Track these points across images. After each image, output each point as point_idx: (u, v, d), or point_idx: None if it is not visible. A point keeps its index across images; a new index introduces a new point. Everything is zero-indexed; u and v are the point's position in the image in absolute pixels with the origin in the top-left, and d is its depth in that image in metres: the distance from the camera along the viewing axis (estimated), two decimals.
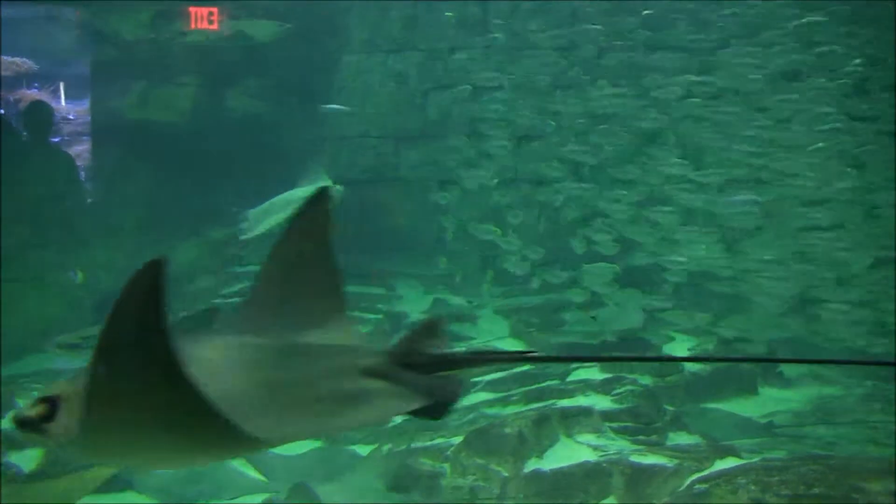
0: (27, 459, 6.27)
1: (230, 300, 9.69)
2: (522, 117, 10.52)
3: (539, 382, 8.10)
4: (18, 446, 6.42)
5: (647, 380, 8.01)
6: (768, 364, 9.11)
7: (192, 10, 11.12)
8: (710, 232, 8.90)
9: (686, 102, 9.33)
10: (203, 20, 11.13)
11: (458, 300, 11.13)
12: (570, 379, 8.07)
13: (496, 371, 8.23)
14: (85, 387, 2.16)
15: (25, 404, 2.39)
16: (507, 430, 6.43)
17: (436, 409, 2.56)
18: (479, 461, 6.33)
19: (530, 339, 9.83)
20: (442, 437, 6.83)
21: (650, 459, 6.11)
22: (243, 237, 9.36)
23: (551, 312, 10.15)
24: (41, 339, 7.81)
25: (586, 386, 7.71)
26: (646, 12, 9.99)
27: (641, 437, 6.93)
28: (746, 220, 8.74)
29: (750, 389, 8.83)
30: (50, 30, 13.10)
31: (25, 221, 9.97)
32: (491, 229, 10.05)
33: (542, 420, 6.57)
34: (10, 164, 9.81)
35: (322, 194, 2.91)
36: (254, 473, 7.29)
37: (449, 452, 6.51)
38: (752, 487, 5.21)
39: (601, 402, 7.36)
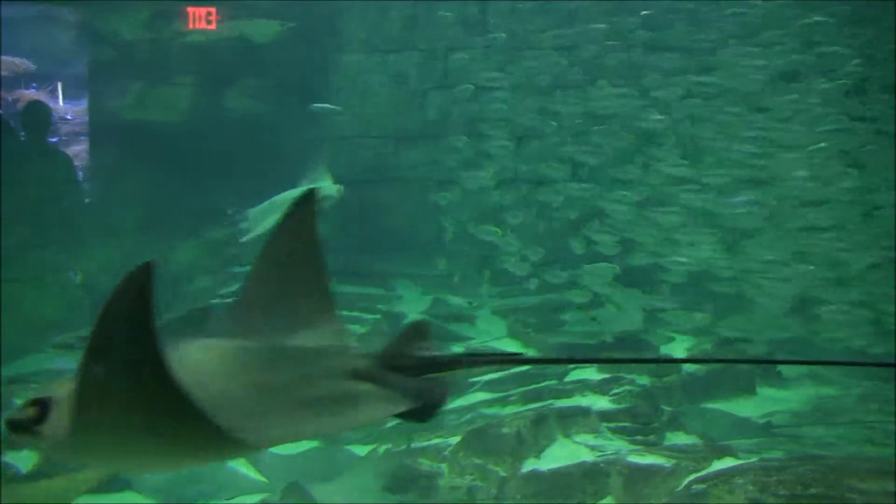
0: (25, 459, 6.27)
1: (228, 300, 9.68)
2: (522, 117, 10.51)
3: (537, 383, 8.09)
4: (16, 446, 6.42)
5: (644, 380, 8.00)
6: (766, 364, 9.11)
7: (191, 10, 11.10)
8: (710, 233, 8.89)
9: (686, 102, 9.33)
10: (201, 20, 11.12)
11: (457, 300, 11.12)
12: (567, 379, 8.06)
13: (494, 371, 8.23)
14: (74, 390, 2.17)
15: (17, 406, 2.40)
16: (505, 431, 6.44)
17: (423, 412, 2.58)
18: (477, 461, 6.34)
19: (528, 339, 9.82)
20: (440, 437, 6.83)
21: (648, 459, 6.11)
22: (244, 237, 9.36)
23: (549, 312, 10.15)
24: (40, 339, 7.81)
25: (584, 386, 7.71)
26: (644, 13, 9.98)
27: (639, 437, 6.94)
28: (747, 221, 8.73)
29: (748, 389, 8.82)
30: (48, 30, 13.08)
31: (24, 221, 9.96)
32: (491, 230, 10.04)
33: (539, 420, 6.57)
34: (8, 163, 9.81)
35: (308, 196, 2.90)
36: (254, 474, 7.30)
37: (447, 452, 6.51)
38: (750, 487, 5.21)
39: (599, 403, 7.36)
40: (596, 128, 9.83)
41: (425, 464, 6.55)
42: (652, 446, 6.65)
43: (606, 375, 7.96)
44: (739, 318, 8.85)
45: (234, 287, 10.03)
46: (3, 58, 13.07)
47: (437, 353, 2.68)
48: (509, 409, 7.59)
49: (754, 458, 6.07)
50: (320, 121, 11.38)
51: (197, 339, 2.60)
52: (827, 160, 8.53)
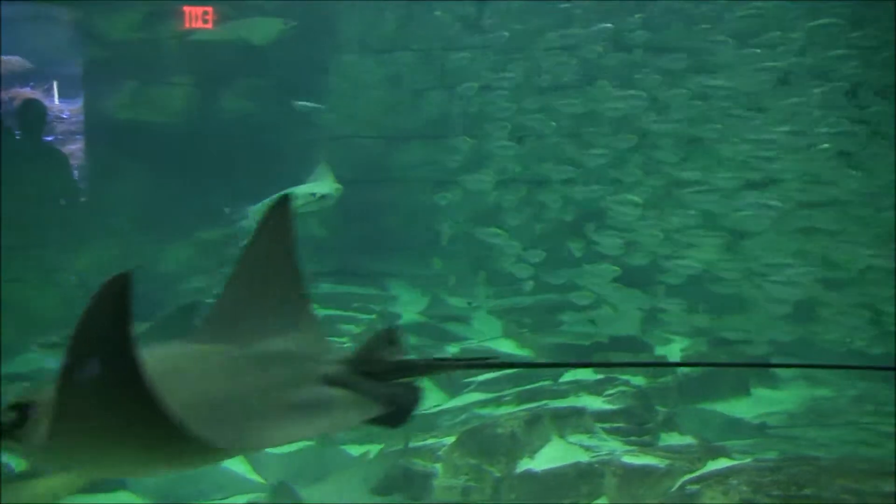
0: (18, 458, 6.25)
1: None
2: (522, 117, 10.49)
3: (531, 383, 8.08)
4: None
5: (639, 381, 7.99)
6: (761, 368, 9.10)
7: (186, 9, 11.09)
8: (711, 235, 8.87)
9: (687, 103, 9.30)
10: (197, 19, 11.11)
11: (453, 301, 11.11)
12: (562, 380, 8.03)
13: (488, 372, 8.22)
14: (53, 394, 2.18)
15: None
16: (500, 431, 6.44)
17: (395, 417, 2.59)
18: (472, 461, 6.33)
19: (523, 340, 9.82)
20: (434, 437, 6.84)
21: (642, 460, 6.08)
22: (244, 236, 9.34)
23: (544, 313, 10.14)
24: (33, 338, 7.81)
25: (579, 387, 7.68)
26: (638, 16, 9.95)
27: (633, 438, 6.91)
28: (750, 223, 8.71)
29: (742, 390, 8.83)
30: (44, 29, 13.09)
31: (20, 220, 9.95)
32: (494, 231, 10.00)
33: (534, 420, 6.56)
34: (3, 162, 9.81)
35: (283, 201, 2.90)
36: (250, 473, 7.30)
37: (441, 453, 6.52)
38: (744, 488, 5.20)
39: (593, 403, 7.33)
40: (596, 128, 9.81)
41: (420, 464, 6.56)
42: (646, 447, 6.62)
43: (601, 376, 7.92)
44: (739, 319, 8.84)
45: None
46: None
47: (408, 357, 2.69)
48: (504, 410, 7.56)
49: (749, 459, 6.04)
50: (317, 120, 11.37)
51: (173, 345, 2.63)
52: (827, 161, 8.52)
